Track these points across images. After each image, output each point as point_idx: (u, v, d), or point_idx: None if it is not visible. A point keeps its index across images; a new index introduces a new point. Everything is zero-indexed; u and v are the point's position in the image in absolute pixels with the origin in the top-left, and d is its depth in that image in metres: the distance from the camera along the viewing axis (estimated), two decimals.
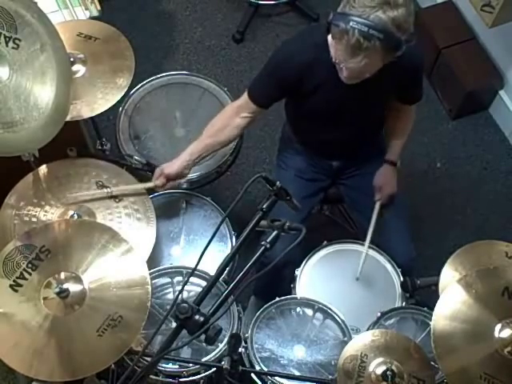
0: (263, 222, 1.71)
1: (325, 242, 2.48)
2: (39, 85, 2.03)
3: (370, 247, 2.44)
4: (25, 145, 2.04)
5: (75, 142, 2.41)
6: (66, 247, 2.01)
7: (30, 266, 1.96)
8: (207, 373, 2.14)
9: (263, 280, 2.61)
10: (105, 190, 2.29)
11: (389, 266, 2.43)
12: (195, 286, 2.30)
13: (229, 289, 1.66)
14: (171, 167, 2.35)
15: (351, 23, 1.88)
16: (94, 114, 2.33)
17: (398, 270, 2.41)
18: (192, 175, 2.47)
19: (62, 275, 1.96)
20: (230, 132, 2.35)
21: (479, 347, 1.86)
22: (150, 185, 2.37)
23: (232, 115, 2.33)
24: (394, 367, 1.98)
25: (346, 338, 2.22)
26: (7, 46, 1.97)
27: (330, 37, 2.03)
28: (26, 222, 2.20)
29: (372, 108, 2.33)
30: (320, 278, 2.42)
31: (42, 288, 1.94)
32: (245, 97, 2.31)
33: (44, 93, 2.04)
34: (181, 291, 1.74)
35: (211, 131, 2.35)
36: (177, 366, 2.15)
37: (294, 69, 2.19)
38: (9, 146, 1.98)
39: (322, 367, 2.20)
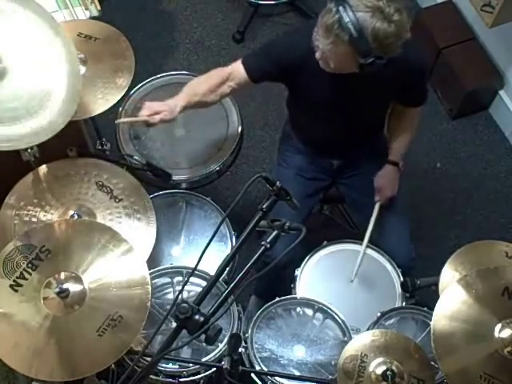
0: (263, 222, 1.71)
1: (325, 242, 2.48)
2: (47, 77, 2.03)
3: (369, 247, 2.44)
4: (33, 136, 2.02)
5: (75, 142, 2.40)
6: (66, 247, 2.01)
7: (30, 265, 1.96)
8: (207, 373, 2.14)
9: (263, 280, 2.61)
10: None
11: (389, 266, 2.43)
12: (195, 286, 2.30)
13: (229, 289, 1.66)
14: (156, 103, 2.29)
15: (340, 7, 1.92)
16: (94, 114, 2.33)
17: (398, 270, 2.41)
18: (192, 175, 2.47)
19: (62, 275, 1.96)
20: (213, 98, 2.31)
21: (479, 347, 1.86)
22: (141, 118, 2.29)
23: (219, 83, 2.29)
24: (394, 367, 1.98)
25: (345, 338, 2.22)
26: None
27: None
28: (26, 222, 2.19)
29: (371, 106, 2.32)
30: (320, 277, 2.42)
31: (42, 288, 1.94)
32: (237, 66, 2.27)
33: (54, 83, 2.03)
34: (181, 291, 1.74)
35: (195, 90, 2.30)
36: (177, 366, 2.15)
37: (292, 58, 2.20)
38: (15, 139, 1.97)
39: (322, 367, 2.20)
